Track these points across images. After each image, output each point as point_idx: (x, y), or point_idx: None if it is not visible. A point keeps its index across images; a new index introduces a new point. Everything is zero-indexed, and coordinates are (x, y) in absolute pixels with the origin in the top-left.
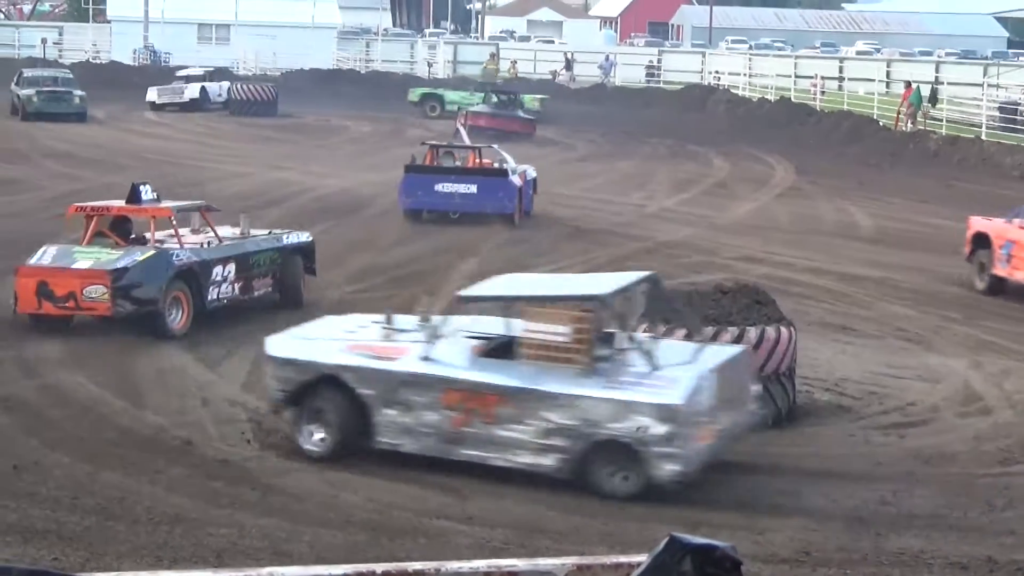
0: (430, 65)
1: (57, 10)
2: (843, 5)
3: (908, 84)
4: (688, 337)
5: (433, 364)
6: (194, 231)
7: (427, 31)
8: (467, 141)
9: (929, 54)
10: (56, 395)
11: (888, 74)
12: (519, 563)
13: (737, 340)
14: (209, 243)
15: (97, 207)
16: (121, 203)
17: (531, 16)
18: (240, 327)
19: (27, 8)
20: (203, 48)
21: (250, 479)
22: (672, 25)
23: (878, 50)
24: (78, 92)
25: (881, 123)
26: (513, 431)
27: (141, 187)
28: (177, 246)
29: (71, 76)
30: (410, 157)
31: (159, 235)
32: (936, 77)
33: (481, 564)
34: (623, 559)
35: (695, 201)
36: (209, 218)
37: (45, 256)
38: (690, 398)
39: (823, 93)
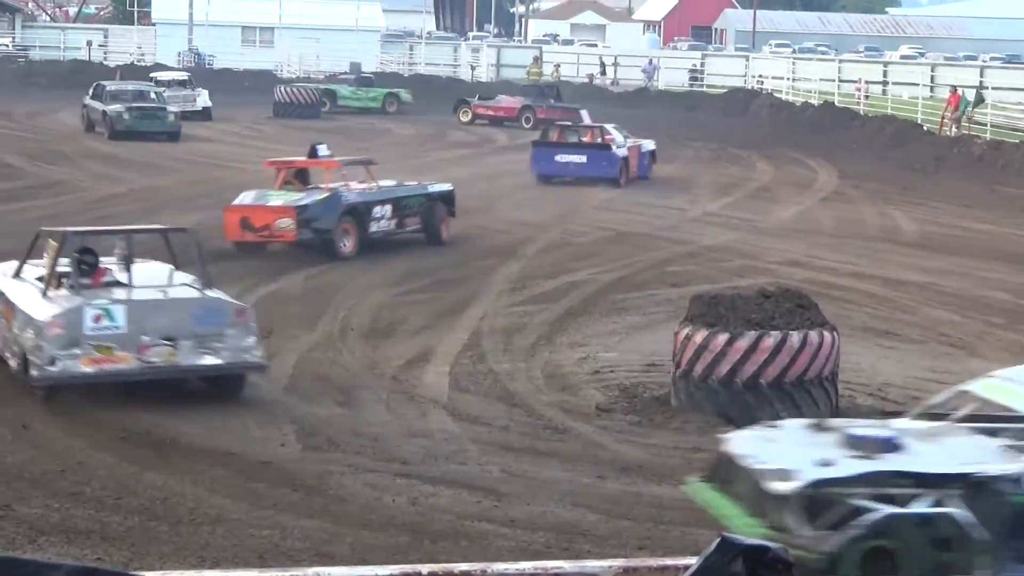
0: (473, 68)
1: (103, 13)
2: (887, 9)
3: (954, 90)
4: (730, 341)
5: None
6: (360, 181)
7: (471, 34)
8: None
9: (974, 59)
10: (100, 395)
11: (932, 78)
12: (565, 565)
13: (780, 344)
14: (371, 189)
15: (284, 161)
16: (303, 158)
17: (574, 20)
18: (283, 331)
19: (73, 11)
20: (247, 51)
21: (292, 481)
22: (715, 29)
23: (922, 54)
24: (172, 109)
25: (925, 127)
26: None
27: (318, 146)
28: (346, 190)
29: (159, 90)
30: (540, 134)
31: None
32: (980, 82)
33: (527, 566)
34: (669, 562)
35: (738, 205)
36: (372, 171)
37: (245, 198)
38: (57, 318)
39: (867, 97)
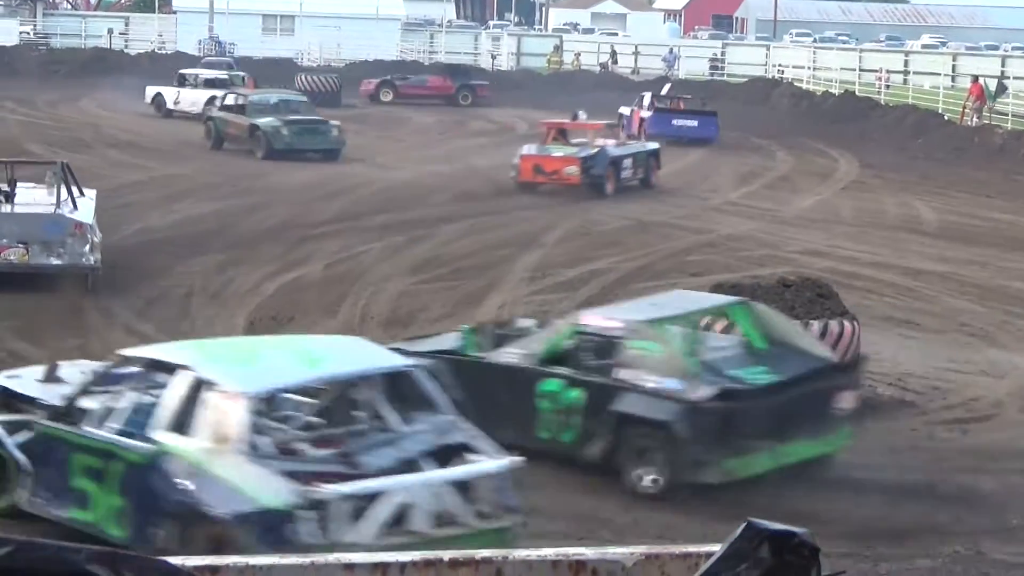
0: (494, 57)
1: (124, 1)
2: None
3: (975, 79)
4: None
5: None
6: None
7: (491, 23)
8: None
9: (995, 48)
10: None
11: (954, 68)
12: (587, 551)
13: None
14: (620, 145)
15: (556, 123)
16: (566, 120)
17: (595, 9)
18: (303, 318)
19: None
20: (267, 39)
21: None
22: (736, 18)
23: (943, 44)
24: (334, 123)
25: (946, 117)
26: None
27: (579, 112)
28: (607, 146)
29: (307, 100)
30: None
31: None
32: (1002, 71)
33: (549, 552)
34: (691, 549)
35: (758, 195)
36: (618, 131)
37: (530, 150)
38: None
39: (888, 87)
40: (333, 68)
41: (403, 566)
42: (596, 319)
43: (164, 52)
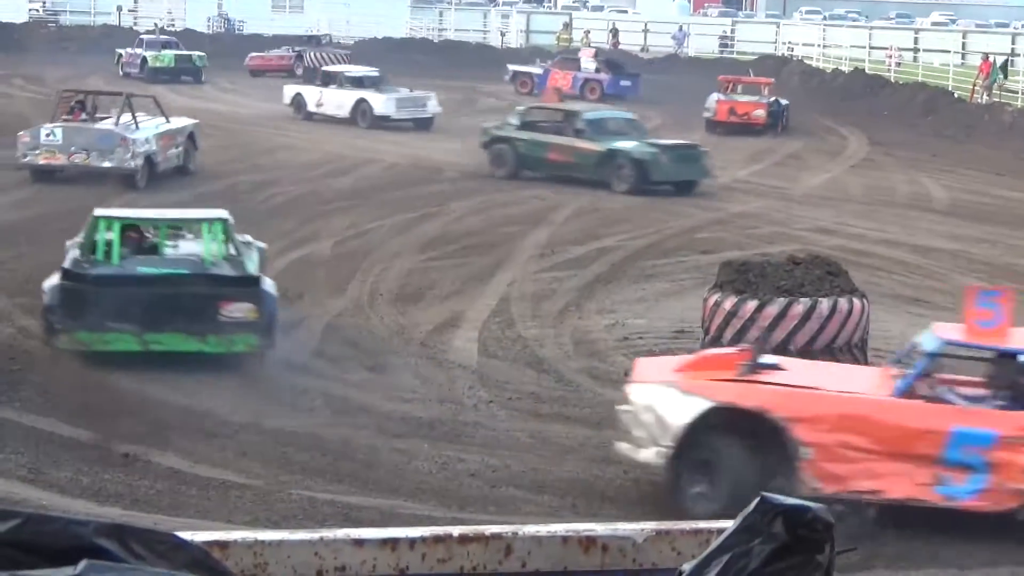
0: (503, 34)
1: None
2: None
3: (985, 57)
4: (760, 308)
5: None
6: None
7: (500, 0)
8: None
9: (1006, 25)
10: (128, 365)
11: (964, 45)
12: (597, 527)
13: (809, 311)
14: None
15: (733, 78)
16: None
17: None
18: (312, 296)
19: None
20: (277, 16)
21: (320, 446)
22: None
23: (954, 21)
24: (703, 147)
25: (956, 95)
26: None
27: (751, 70)
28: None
29: (634, 117)
30: None
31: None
32: (1012, 49)
33: (559, 528)
34: (702, 525)
35: (768, 172)
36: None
37: (720, 97)
38: (24, 133)
39: (898, 64)
40: (342, 45)
41: (412, 542)
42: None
43: (174, 29)
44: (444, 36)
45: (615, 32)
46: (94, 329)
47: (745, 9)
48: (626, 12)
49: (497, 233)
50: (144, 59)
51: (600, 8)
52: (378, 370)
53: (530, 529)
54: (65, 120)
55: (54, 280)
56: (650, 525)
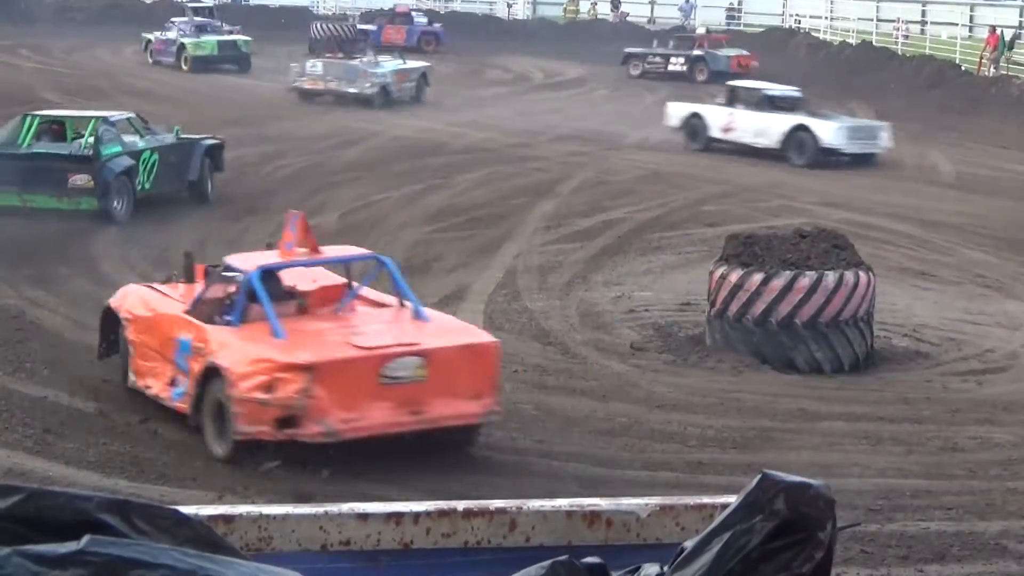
0: (510, 6)
1: None
2: None
3: (992, 30)
4: (766, 280)
5: None
6: None
7: None
8: None
9: None
10: None
11: (971, 18)
12: (602, 502)
13: (815, 285)
14: None
15: None
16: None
17: None
18: None
19: None
20: None
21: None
22: None
23: None
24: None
25: (963, 68)
26: None
27: None
28: None
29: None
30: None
31: None
32: (1020, 22)
33: (563, 503)
34: (706, 500)
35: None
36: None
37: None
38: None
39: (906, 37)
40: (348, 16)
41: (417, 516)
42: None
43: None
44: (450, 8)
45: (615, 2)
46: None
47: None
48: None
49: (504, 205)
50: (182, 47)
51: None
52: None
53: (534, 504)
54: (327, 57)
55: None
56: (654, 500)
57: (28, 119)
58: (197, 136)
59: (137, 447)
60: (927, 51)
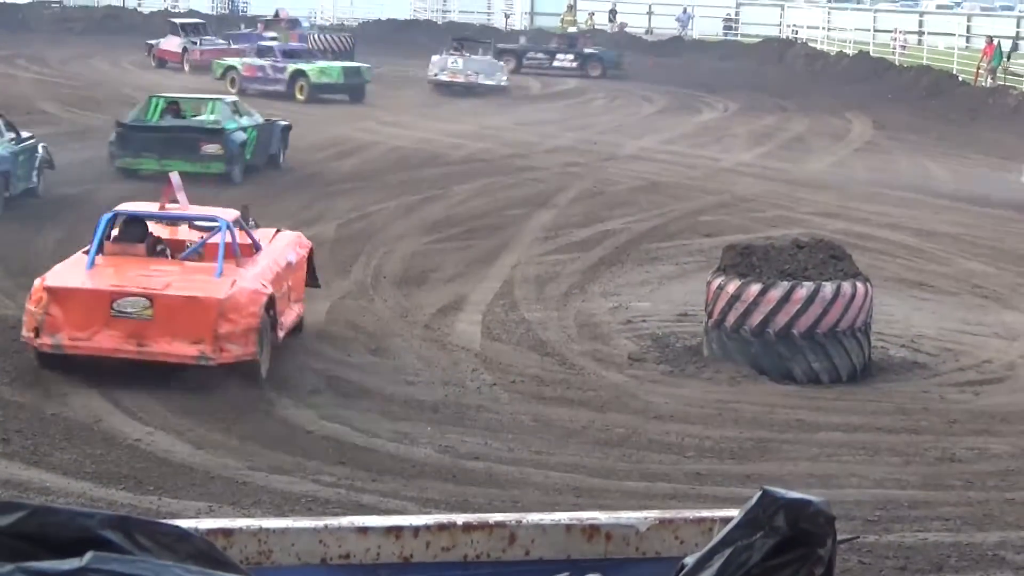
0: (507, 16)
1: None
2: None
3: (990, 40)
4: (763, 292)
5: None
6: None
7: None
8: None
9: (1010, 8)
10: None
11: (968, 28)
12: (601, 516)
13: (812, 295)
14: None
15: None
16: None
17: None
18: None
19: None
20: None
21: (323, 429)
22: None
23: (959, 4)
24: None
25: (961, 78)
26: None
27: None
28: None
29: None
30: None
31: None
32: (1017, 32)
33: (563, 516)
34: (706, 513)
35: (772, 155)
36: None
37: None
38: None
39: (903, 47)
40: (346, 27)
41: (416, 529)
42: None
43: (177, 10)
44: (448, 18)
45: (613, 13)
46: (133, 156)
47: None
48: None
49: (501, 216)
50: (300, 74)
51: None
52: (381, 353)
53: (534, 517)
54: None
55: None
56: (653, 514)
57: (154, 100)
58: (274, 119)
59: (134, 459)
60: (924, 61)
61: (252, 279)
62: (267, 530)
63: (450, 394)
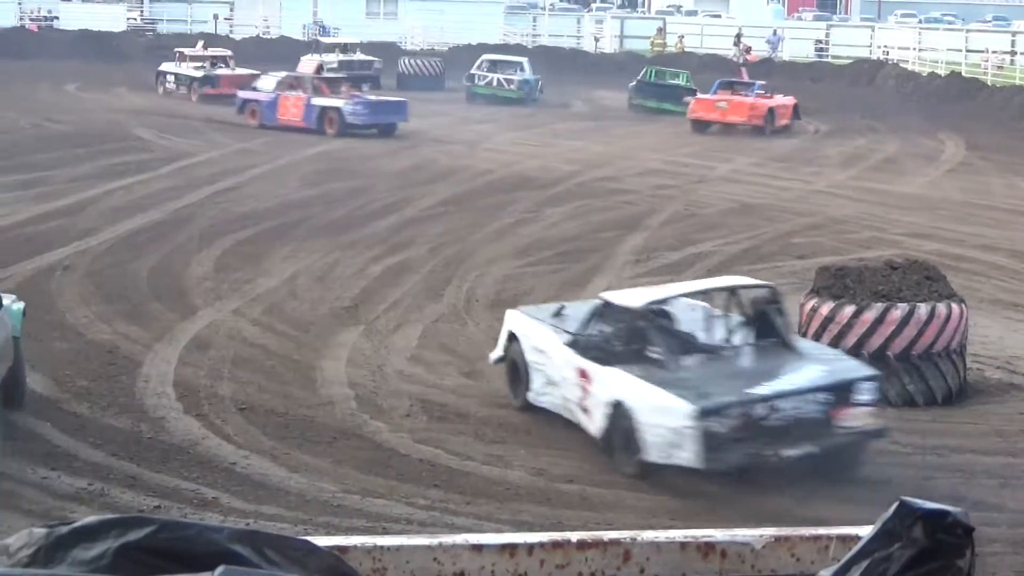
0: (597, 40)
1: None
2: None
3: None
4: (858, 312)
5: None
6: None
7: (594, 5)
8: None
9: None
10: (218, 377)
11: None
12: (716, 534)
13: (907, 317)
14: None
15: None
16: None
17: None
18: (408, 301)
19: None
20: (371, 23)
21: (417, 452)
22: None
23: None
24: None
25: None
26: None
27: None
28: None
29: None
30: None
31: None
32: None
33: (677, 534)
34: (822, 531)
35: (864, 177)
36: None
37: None
38: None
39: (999, 68)
40: (436, 52)
41: (531, 547)
42: None
43: (269, 37)
44: (538, 42)
45: (739, 37)
46: None
47: (840, 12)
48: (720, 16)
49: (593, 238)
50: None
51: (694, 13)
52: (474, 376)
53: (648, 535)
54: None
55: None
56: (769, 531)
57: (648, 68)
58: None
59: (230, 482)
60: (1017, 81)
61: None
62: (382, 547)
63: (542, 416)
